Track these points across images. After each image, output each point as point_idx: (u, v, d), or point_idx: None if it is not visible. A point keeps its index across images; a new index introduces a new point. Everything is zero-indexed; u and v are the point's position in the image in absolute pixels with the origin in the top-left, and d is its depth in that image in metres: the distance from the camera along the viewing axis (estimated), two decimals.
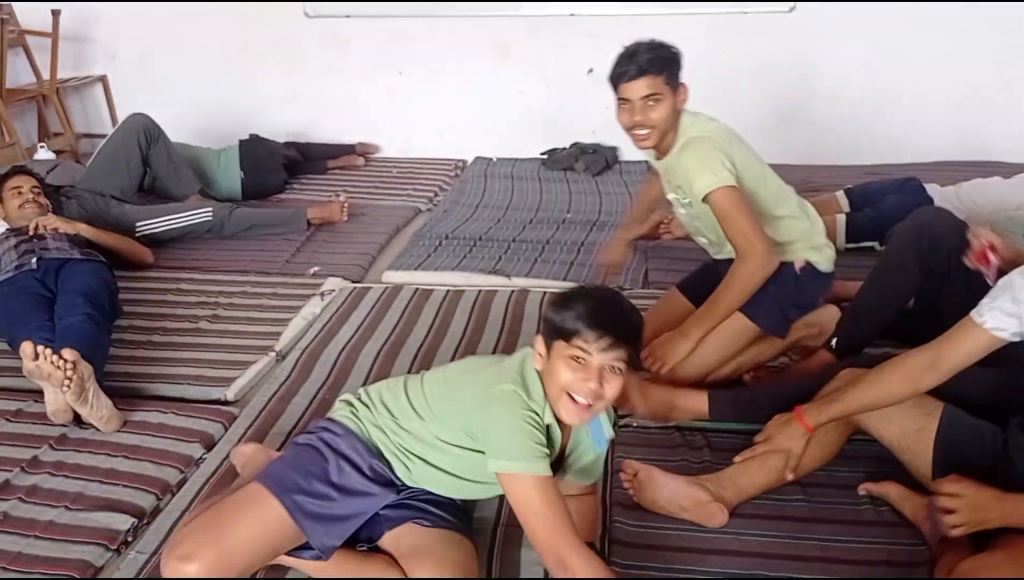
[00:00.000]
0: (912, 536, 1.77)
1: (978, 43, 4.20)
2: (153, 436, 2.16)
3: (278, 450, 2.02)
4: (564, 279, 3.14)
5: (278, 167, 4.19)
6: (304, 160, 4.44)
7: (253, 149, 4.09)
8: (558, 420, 1.57)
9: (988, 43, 4.20)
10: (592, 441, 1.65)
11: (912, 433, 1.74)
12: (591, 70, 4.56)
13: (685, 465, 2.02)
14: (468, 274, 3.20)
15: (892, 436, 1.78)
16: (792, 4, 4.25)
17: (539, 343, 1.55)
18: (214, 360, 2.55)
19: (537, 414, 1.54)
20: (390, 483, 1.67)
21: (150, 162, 3.69)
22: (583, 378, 1.48)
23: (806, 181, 3.96)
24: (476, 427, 1.57)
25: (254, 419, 2.23)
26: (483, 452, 1.56)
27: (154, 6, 4.74)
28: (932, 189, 3.26)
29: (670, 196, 2.34)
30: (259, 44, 4.79)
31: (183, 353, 2.60)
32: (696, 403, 2.13)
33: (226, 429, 2.21)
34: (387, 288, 3.02)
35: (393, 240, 3.60)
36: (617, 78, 2.13)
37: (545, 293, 2.98)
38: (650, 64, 2.09)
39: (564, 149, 4.64)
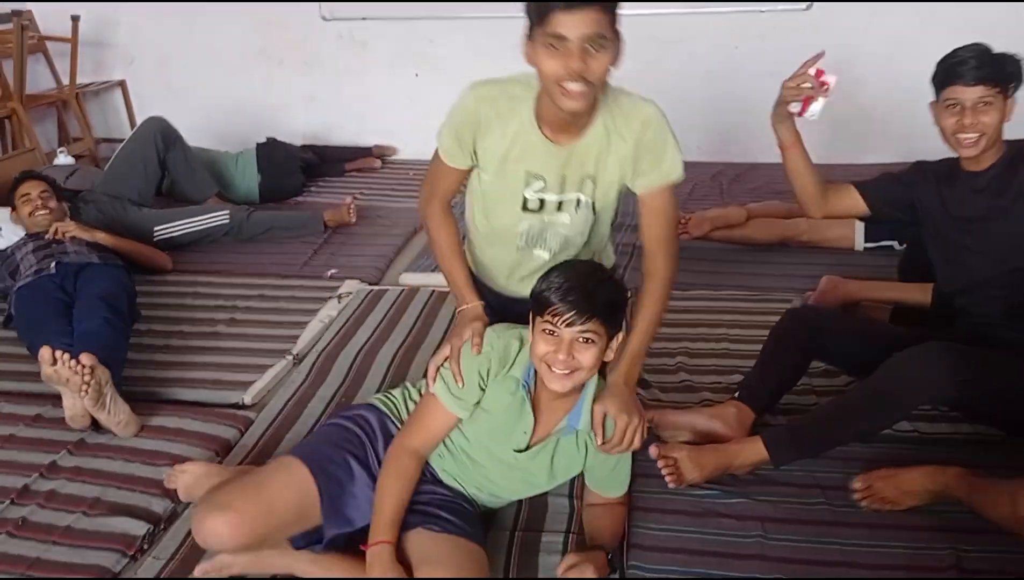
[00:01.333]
0: (936, 541, 1.74)
1: (1002, 39, 4.11)
2: (171, 441, 2.16)
3: None
4: None
5: (295, 170, 4.20)
6: (322, 162, 4.44)
7: (270, 152, 4.11)
8: (535, 408, 1.67)
9: (1012, 40, 4.11)
10: (567, 425, 1.68)
11: None
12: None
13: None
14: None
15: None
16: (809, 3, 4.21)
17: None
18: (232, 364, 2.56)
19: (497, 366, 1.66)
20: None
21: (167, 165, 3.71)
22: (554, 350, 1.54)
23: (825, 179, 3.92)
24: None
25: (270, 423, 2.23)
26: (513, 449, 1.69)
27: (172, 10, 4.77)
28: None
29: (543, 195, 1.79)
30: (276, 47, 4.80)
31: (201, 357, 2.61)
32: (754, 454, 1.97)
33: (242, 434, 2.21)
34: (404, 290, 3.02)
35: (410, 242, 3.59)
36: None
37: None
38: None
39: None
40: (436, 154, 1.88)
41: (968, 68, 2.00)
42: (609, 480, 1.77)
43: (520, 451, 1.70)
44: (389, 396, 1.88)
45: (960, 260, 2.13)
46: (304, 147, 4.48)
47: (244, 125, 4.69)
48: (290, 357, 2.58)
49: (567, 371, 1.56)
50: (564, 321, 1.52)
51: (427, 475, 1.75)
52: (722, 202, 3.66)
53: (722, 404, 2.13)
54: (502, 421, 1.68)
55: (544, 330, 1.56)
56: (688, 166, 4.33)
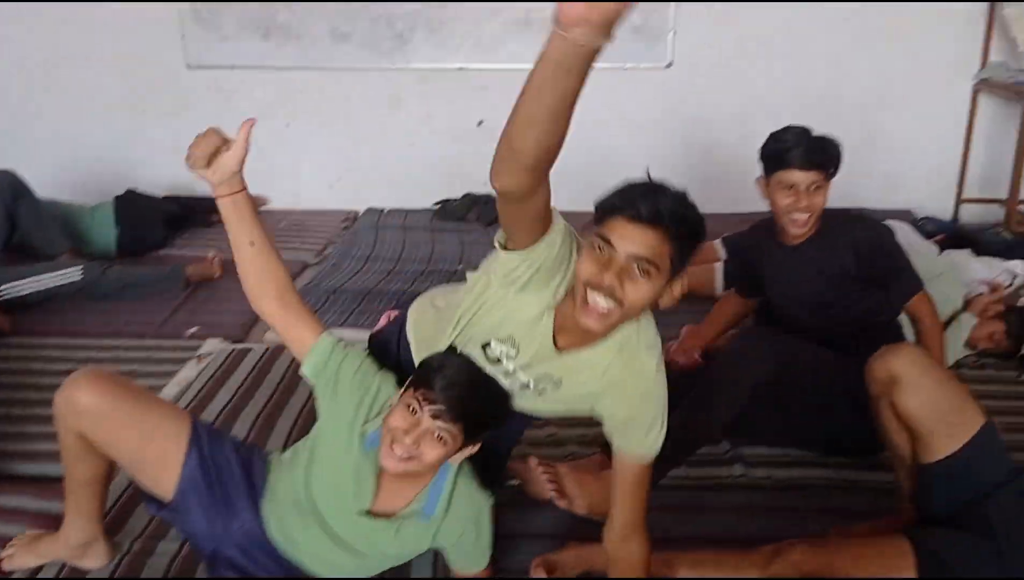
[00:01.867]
0: None
1: (843, 97, 4.44)
2: (6, 523, 2.01)
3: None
4: None
5: (157, 222, 4.06)
6: (186, 214, 4.32)
7: (129, 204, 3.96)
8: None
9: (851, 97, 4.44)
10: (422, 511, 1.63)
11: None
12: (481, 122, 4.61)
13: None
14: (356, 330, 3.15)
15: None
16: (669, 60, 4.41)
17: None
18: None
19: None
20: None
21: (16, 220, 3.52)
22: (405, 430, 1.51)
23: None
24: None
25: (119, 496, 2.11)
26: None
27: (33, 59, 4.56)
28: None
29: (507, 362, 1.66)
30: (140, 96, 4.66)
31: (46, 427, 2.42)
32: None
33: None
34: (269, 348, 2.94)
35: None
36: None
37: None
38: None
39: (457, 199, 4.65)
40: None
41: (800, 154, 2.18)
42: (469, 557, 1.73)
43: (364, 515, 1.62)
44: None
45: (785, 314, 2.38)
46: (167, 198, 4.35)
47: (105, 176, 4.51)
48: None
49: (406, 456, 1.52)
50: (433, 411, 1.50)
51: (260, 540, 1.67)
52: None
53: (588, 458, 2.17)
54: (341, 473, 1.62)
55: (408, 405, 1.52)
56: (561, 215, 4.38)
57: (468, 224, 4.44)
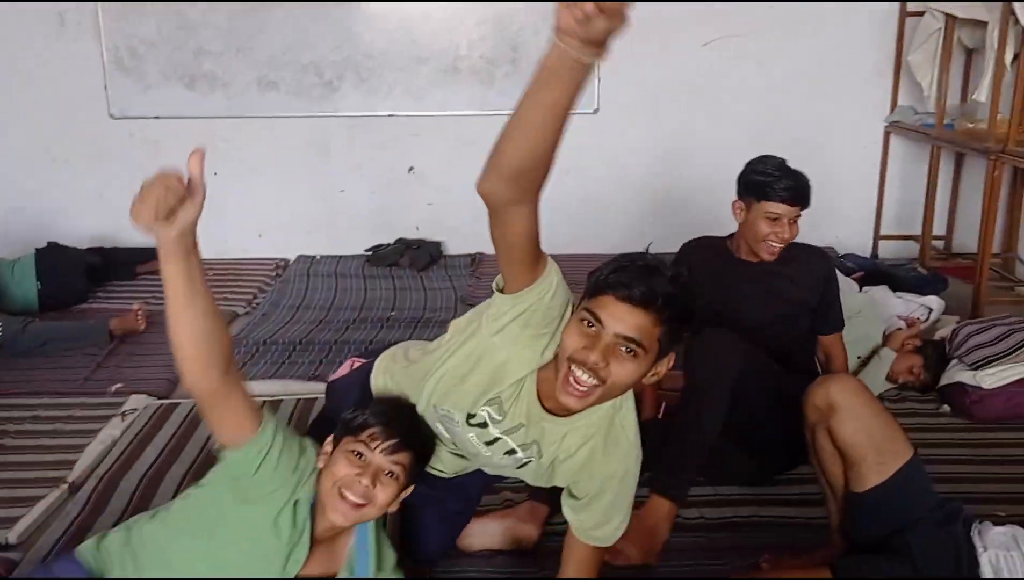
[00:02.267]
0: None
1: (764, 139, 4.57)
2: None
3: None
4: None
5: (79, 275, 3.95)
6: (110, 266, 4.21)
7: (51, 257, 3.84)
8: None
9: (773, 139, 4.58)
10: (354, 571, 1.57)
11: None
12: (412, 169, 4.63)
13: None
14: (286, 382, 3.10)
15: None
16: (596, 106, 4.51)
17: (328, 442, 1.56)
18: None
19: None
20: None
21: None
22: (357, 474, 1.48)
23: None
24: None
25: (40, 563, 2.03)
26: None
27: None
28: None
29: (493, 427, 1.62)
30: (62, 145, 4.56)
31: None
32: (660, 509, 2.09)
33: (5, 578, 1.99)
34: (196, 403, 2.87)
35: None
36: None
37: None
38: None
39: (389, 245, 4.65)
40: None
41: (787, 188, 2.31)
42: None
43: None
44: (101, 544, 1.63)
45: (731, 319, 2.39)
46: (90, 250, 4.24)
47: (25, 229, 4.38)
48: (64, 486, 2.37)
49: (361, 501, 1.48)
50: (381, 447, 1.50)
51: None
52: None
53: (520, 505, 2.17)
54: (264, 547, 1.51)
55: (352, 451, 1.50)
56: (494, 260, 4.50)
57: (400, 269, 4.43)
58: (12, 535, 2.15)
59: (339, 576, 1.58)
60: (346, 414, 1.57)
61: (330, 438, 1.58)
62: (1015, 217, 4.19)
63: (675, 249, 4.44)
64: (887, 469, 1.82)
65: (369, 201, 4.67)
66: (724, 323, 2.35)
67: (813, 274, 2.46)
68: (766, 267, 2.41)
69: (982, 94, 3.77)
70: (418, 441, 1.59)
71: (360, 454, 1.50)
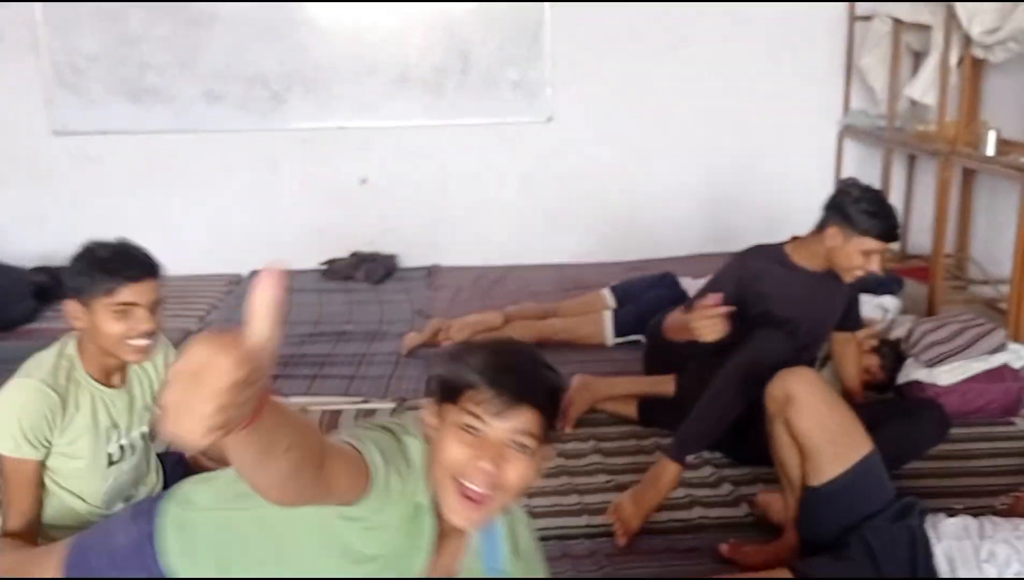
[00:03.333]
0: None
1: (719, 145, 4.62)
2: None
3: None
4: (345, 394, 3.05)
5: (25, 295, 3.83)
6: (56, 285, 4.08)
7: None
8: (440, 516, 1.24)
9: (728, 145, 4.62)
10: (484, 567, 1.32)
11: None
12: (364, 180, 4.57)
13: None
14: None
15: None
16: (549, 115, 4.49)
17: (427, 409, 1.24)
18: None
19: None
20: None
21: None
22: (474, 456, 1.17)
23: (577, 279, 4.14)
24: None
25: None
26: None
27: None
28: (686, 282, 3.49)
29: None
30: (2, 162, 4.42)
31: None
32: (667, 473, 2.19)
33: None
34: None
35: None
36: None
37: (323, 411, 2.87)
38: None
39: (343, 259, 4.58)
40: None
41: (891, 228, 2.36)
42: None
43: None
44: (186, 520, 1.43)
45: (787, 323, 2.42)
46: (36, 270, 4.11)
47: None
48: None
49: (488, 490, 1.17)
50: (493, 411, 1.17)
51: None
52: (483, 306, 3.71)
53: None
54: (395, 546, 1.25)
55: (461, 427, 1.18)
56: (449, 271, 4.47)
57: (356, 283, 4.36)
58: None
59: (462, 576, 1.32)
60: (440, 369, 1.25)
61: (430, 405, 1.25)
62: (966, 218, 4.25)
63: (630, 257, 4.49)
64: (844, 462, 1.83)
65: (321, 215, 4.60)
66: (781, 327, 2.35)
67: (853, 290, 2.57)
68: (822, 275, 2.45)
69: (915, 91, 3.83)
70: (542, 391, 1.22)
71: (471, 428, 1.18)
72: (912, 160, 4.56)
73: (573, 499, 2.35)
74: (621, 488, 2.38)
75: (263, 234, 4.61)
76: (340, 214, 4.60)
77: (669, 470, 2.19)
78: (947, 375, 2.68)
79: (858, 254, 2.34)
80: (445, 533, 1.27)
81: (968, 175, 4.15)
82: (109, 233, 4.67)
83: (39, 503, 1.74)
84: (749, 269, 2.49)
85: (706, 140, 4.61)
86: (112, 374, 1.82)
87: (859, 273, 2.38)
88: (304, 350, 3.46)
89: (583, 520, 2.26)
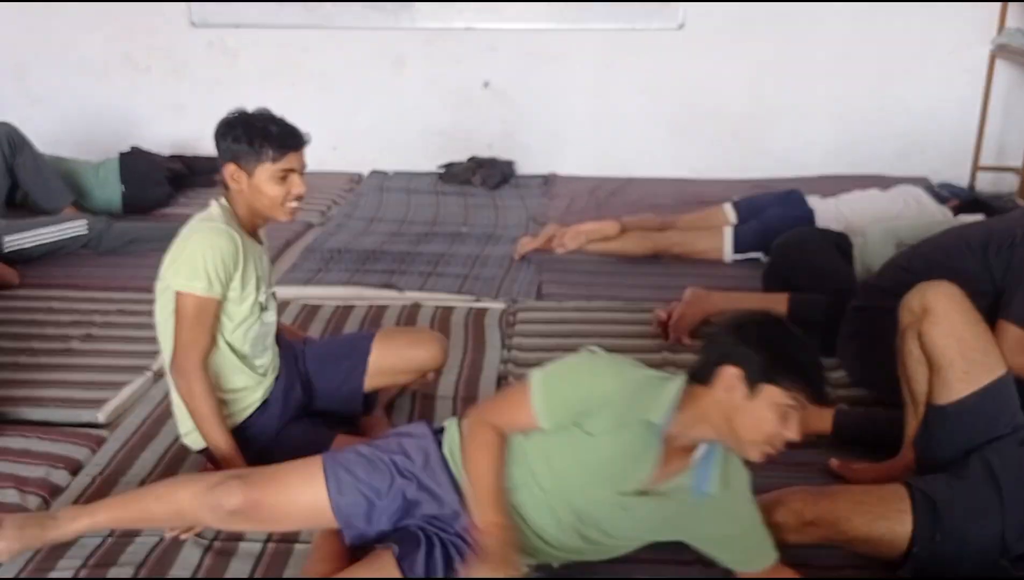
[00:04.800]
0: None
1: (856, 62, 4.38)
2: (14, 462, 2.01)
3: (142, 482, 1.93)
4: (458, 292, 3.11)
5: (162, 180, 4.03)
6: (191, 173, 4.28)
7: (134, 162, 3.92)
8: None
9: (865, 62, 4.38)
10: (694, 484, 1.57)
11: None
12: (487, 83, 4.56)
13: None
14: (359, 288, 3.13)
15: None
16: (680, 22, 4.35)
17: (733, 372, 1.48)
18: (86, 382, 2.41)
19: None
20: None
21: (16, 173, 3.50)
22: (784, 429, 1.47)
23: (698, 194, 4.06)
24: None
25: (125, 442, 2.12)
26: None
27: (27, 12, 4.51)
28: (813, 201, 3.37)
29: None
30: (142, 53, 4.60)
31: (52, 374, 2.45)
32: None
33: (94, 453, 2.08)
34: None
35: (283, 255, 3.49)
36: None
37: (437, 308, 2.95)
38: None
39: (461, 163, 4.61)
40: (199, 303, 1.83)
41: None
42: (747, 547, 1.63)
43: (625, 495, 1.56)
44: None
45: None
46: (172, 157, 4.31)
47: (107, 134, 4.47)
48: (150, 373, 2.45)
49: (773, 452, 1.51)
50: (809, 401, 1.48)
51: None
52: (598, 216, 3.69)
53: None
54: (611, 457, 1.56)
55: (782, 406, 1.46)
56: (566, 181, 4.46)
57: (472, 187, 4.39)
58: (101, 414, 2.25)
59: (663, 487, 1.57)
60: (767, 351, 1.47)
61: (729, 369, 1.49)
62: None
63: (755, 175, 4.36)
64: (976, 381, 1.76)
65: (443, 117, 4.62)
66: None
67: None
68: None
69: None
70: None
71: (790, 408, 1.47)
72: None
73: None
74: None
75: (385, 134, 4.69)
76: (461, 117, 4.61)
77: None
78: None
79: None
80: (670, 452, 1.54)
81: None
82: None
83: (214, 344, 1.87)
84: None
85: (842, 56, 4.37)
86: (255, 234, 1.95)
87: None
88: (420, 249, 3.54)
89: None
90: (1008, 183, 4.37)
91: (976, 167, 4.41)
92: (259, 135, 1.81)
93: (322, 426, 2.04)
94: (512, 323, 2.87)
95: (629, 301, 3.03)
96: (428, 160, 4.63)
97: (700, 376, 1.53)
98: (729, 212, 3.50)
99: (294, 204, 1.88)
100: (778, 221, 3.25)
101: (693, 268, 3.29)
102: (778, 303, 2.69)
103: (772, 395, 1.45)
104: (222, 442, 1.84)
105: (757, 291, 2.97)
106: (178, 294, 1.80)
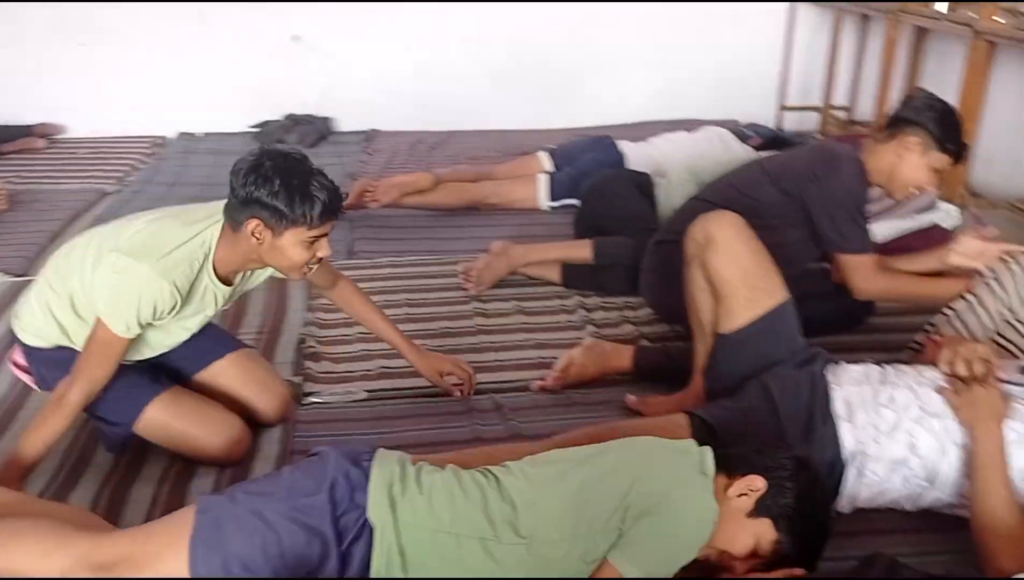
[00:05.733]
0: None
1: (670, 10, 4.43)
2: None
3: None
4: None
5: None
6: None
7: None
8: None
9: (677, 10, 4.44)
10: None
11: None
12: (297, 37, 4.35)
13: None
14: None
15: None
16: None
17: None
18: None
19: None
20: None
21: None
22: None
23: (521, 146, 4.01)
24: None
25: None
26: None
27: None
28: (624, 145, 3.38)
29: None
30: None
31: None
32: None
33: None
34: None
35: (69, 227, 3.20)
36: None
37: None
38: None
39: (277, 121, 4.40)
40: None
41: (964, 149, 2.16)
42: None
43: None
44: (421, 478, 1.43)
45: None
46: None
47: None
48: None
49: None
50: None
51: None
52: (419, 170, 3.56)
53: None
54: None
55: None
56: (388, 136, 4.32)
57: (288, 147, 4.17)
58: None
59: None
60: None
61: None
62: (914, 83, 4.14)
63: (577, 124, 4.35)
64: (757, 308, 1.79)
65: (253, 73, 4.38)
66: None
67: None
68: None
69: None
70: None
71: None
72: (865, 25, 4.41)
73: (489, 356, 2.32)
74: (541, 347, 2.36)
75: (192, 93, 4.40)
76: (273, 74, 4.38)
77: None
78: (878, 231, 2.62)
79: (927, 175, 2.14)
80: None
81: (920, 39, 4.01)
82: (26, 88, 4.44)
83: (108, 377, 1.68)
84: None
85: (657, 5, 4.42)
86: (235, 275, 1.76)
87: (916, 193, 2.22)
88: None
89: (496, 377, 2.22)
90: (812, 121, 4.55)
91: (782, 107, 4.58)
92: (303, 199, 1.56)
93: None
94: None
95: (444, 254, 2.96)
96: (240, 119, 4.38)
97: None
98: (544, 160, 3.47)
99: (314, 266, 1.69)
100: (591, 167, 3.24)
101: (510, 218, 3.25)
102: (583, 249, 2.69)
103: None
104: (35, 452, 1.65)
105: (572, 238, 2.96)
106: (98, 318, 1.62)
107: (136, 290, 1.58)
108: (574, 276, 2.69)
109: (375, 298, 2.60)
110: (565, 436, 1.71)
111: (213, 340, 1.93)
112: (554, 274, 2.72)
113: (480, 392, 2.12)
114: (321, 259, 1.68)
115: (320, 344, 2.37)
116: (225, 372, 1.93)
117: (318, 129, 4.31)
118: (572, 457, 1.43)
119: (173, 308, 1.64)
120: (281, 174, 1.56)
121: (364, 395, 2.14)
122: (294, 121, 4.34)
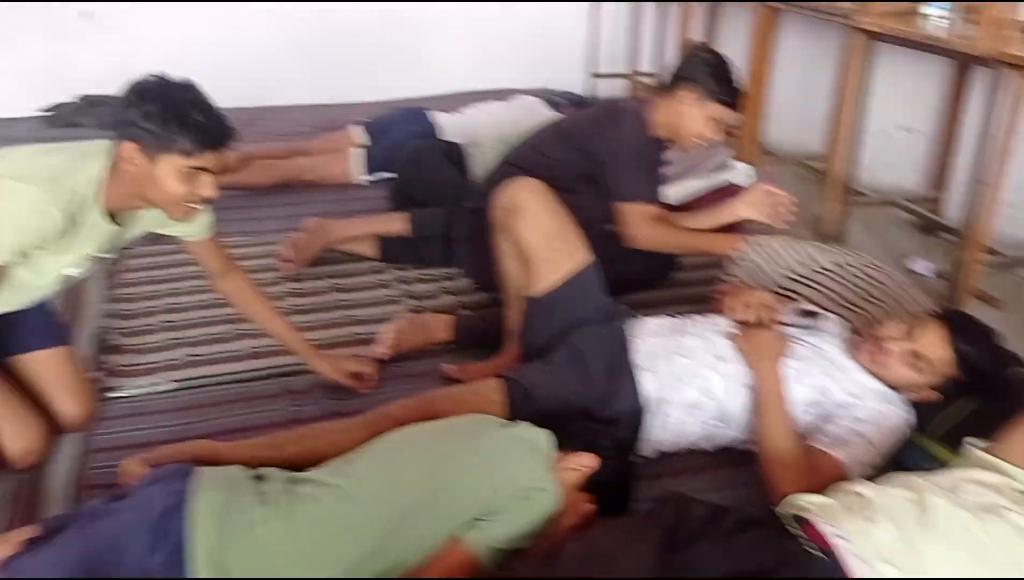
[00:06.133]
0: None
1: None
2: None
3: None
4: None
5: None
6: None
7: None
8: None
9: None
10: None
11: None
12: (87, 13, 4.06)
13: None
14: None
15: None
16: None
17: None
18: None
19: None
20: None
21: None
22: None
23: (336, 120, 3.91)
24: None
25: None
26: None
27: None
28: (439, 116, 3.38)
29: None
30: None
31: None
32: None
33: None
34: None
35: None
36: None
37: None
38: None
39: (72, 103, 4.09)
40: None
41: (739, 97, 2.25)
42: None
43: None
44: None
45: None
46: None
47: None
48: None
49: None
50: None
51: None
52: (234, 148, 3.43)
53: None
54: None
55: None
56: None
57: (85, 129, 3.90)
58: None
59: None
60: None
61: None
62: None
63: (393, 96, 4.30)
64: (563, 270, 1.86)
65: (37, 54, 4.05)
66: None
67: None
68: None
69: None
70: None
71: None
72: None
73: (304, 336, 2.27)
74: (359, 323, 2.34)
75: None
76: (62, 53, 4.07)
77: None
78: (674, 192, 2.76)
79: (708, 123, 2.25)
80: None
81: (715, 5, 4.22)
82: None
83: None
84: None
85: None
86: (125, 213, 1.62)
87: (702, 144, 2.31)
88: None
89: None
90: (621, 88, 4.71)
91: (593, 75, 4.71)
92: (176, 121, 1.47)
93: None
94: (115, 272, 2.59)
95: (256, 235, 2.86)
96: (26, 103, 4.05)
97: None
98: (358, 134, 3.41)
99: (196, 205, 1.56)
100: (405, 139, 3.22)
101: (326, 194, 3.20)
102: (399, 222, 2.68)
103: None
104: None
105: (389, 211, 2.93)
106: None
107: (19, 218, 1.47)
108: (391, 250, 2.68)
109: (180, 284, 2.53)
110: (382, 410, 1.71)
111: (45, 325, 1.79)
112: (371, 249, 2.69)
113: (294, 374, 2.08)
114: (204, 199, 1.58)
115: (123, 336, 2.25)
116: (43, 365, 1.77)
117: (117, 112, 4.03)
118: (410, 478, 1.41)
119: (53, 236, 1.50)
120: (160, 97, 1.50)
121: (172, 385, 2.06)
122: (90, 103, 4.05)
